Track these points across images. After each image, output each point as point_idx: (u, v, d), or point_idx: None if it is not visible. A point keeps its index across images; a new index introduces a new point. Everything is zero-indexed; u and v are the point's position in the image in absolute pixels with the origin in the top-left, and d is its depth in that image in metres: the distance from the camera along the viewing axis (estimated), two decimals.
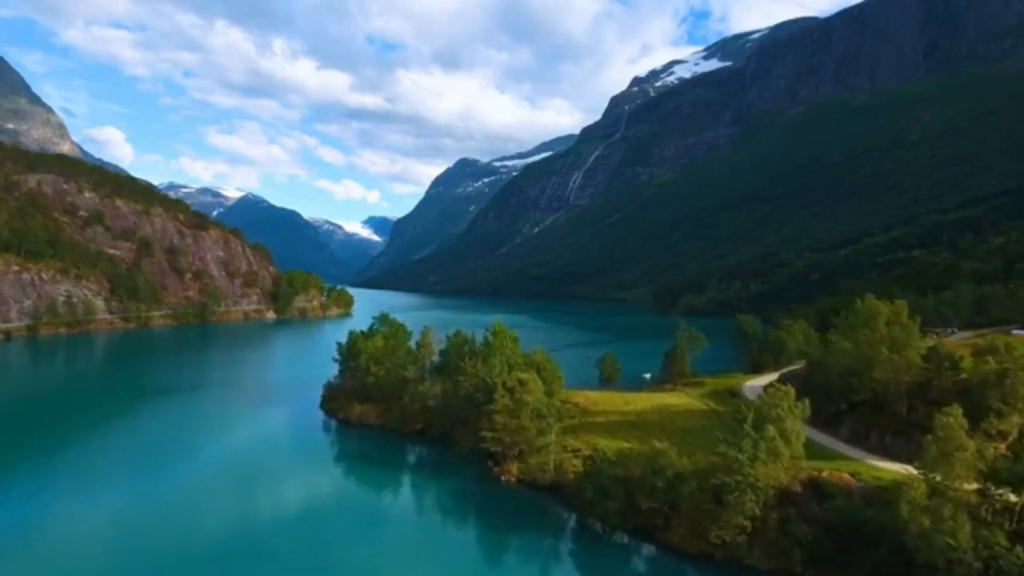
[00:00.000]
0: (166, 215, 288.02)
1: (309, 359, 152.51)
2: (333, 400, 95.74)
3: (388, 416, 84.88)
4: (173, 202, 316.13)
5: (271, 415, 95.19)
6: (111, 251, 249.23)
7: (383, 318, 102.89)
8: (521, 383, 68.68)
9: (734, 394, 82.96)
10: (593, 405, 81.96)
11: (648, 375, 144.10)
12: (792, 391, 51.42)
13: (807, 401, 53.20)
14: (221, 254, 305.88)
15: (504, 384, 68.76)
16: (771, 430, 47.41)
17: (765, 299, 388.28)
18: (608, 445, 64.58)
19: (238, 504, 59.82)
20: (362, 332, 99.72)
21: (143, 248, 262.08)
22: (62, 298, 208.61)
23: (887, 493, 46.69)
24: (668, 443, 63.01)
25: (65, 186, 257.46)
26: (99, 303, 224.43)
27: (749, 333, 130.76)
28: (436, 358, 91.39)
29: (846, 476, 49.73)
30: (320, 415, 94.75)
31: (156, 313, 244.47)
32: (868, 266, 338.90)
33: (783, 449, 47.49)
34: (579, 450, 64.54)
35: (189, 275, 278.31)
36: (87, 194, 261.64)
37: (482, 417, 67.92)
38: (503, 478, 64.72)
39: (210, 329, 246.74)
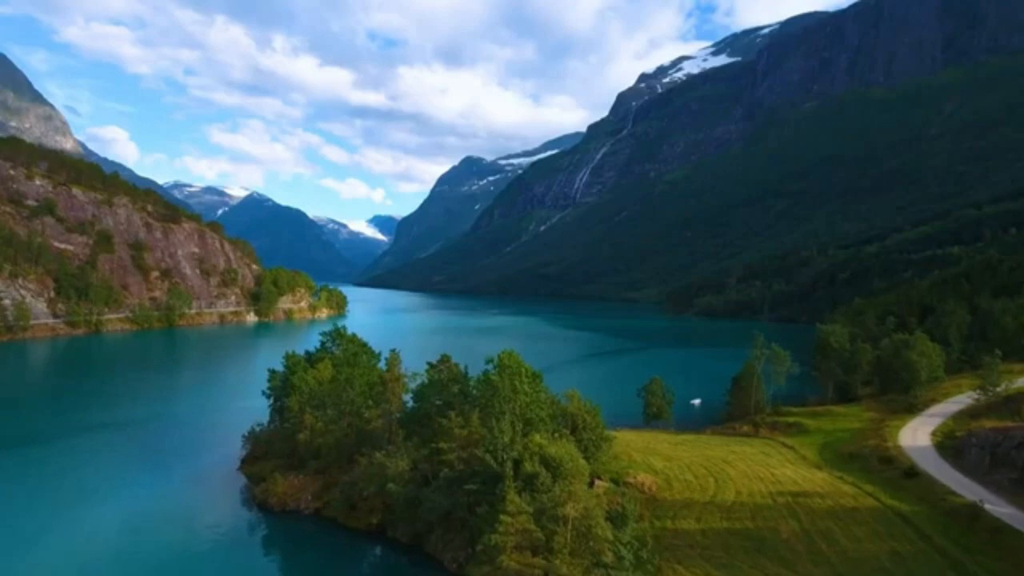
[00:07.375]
0: (132, 206, 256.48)
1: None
2: (256, 460, 62.84)
3: (329, 497, 51.85)
4: (141, 192, 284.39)
5: (162, 484, 60.56)
6: (61, 245, 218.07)
7: (337, 334, 68.77)
8: (550, 466, 37.14)
9: (910, 474, 48.76)
10: (666, 487, 48.53)
11: (696, 401, 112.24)
12: None
13: None
14: (195, 250, 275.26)
15: (518, 468, 37.28)
16: None
17: (789, 300, 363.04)
18: None
19: None
20: (307, 354, 67.12)
21: (101, 242, 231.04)
22: None
23: None
24: None
25: (12, 171, 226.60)
26: (40, 305, 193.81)
27: (834, 348, 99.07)
28: (409, 397, 59.04)
29: None
30: (239, 482, 62.06)
31: (112, 316, 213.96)
32: (902, 264, 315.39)
33: None
34: None
35: (156, 273, 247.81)
36: (38, 181, 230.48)
37: (478, 523, 36.64)
38: None
39: (175, 335, 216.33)
